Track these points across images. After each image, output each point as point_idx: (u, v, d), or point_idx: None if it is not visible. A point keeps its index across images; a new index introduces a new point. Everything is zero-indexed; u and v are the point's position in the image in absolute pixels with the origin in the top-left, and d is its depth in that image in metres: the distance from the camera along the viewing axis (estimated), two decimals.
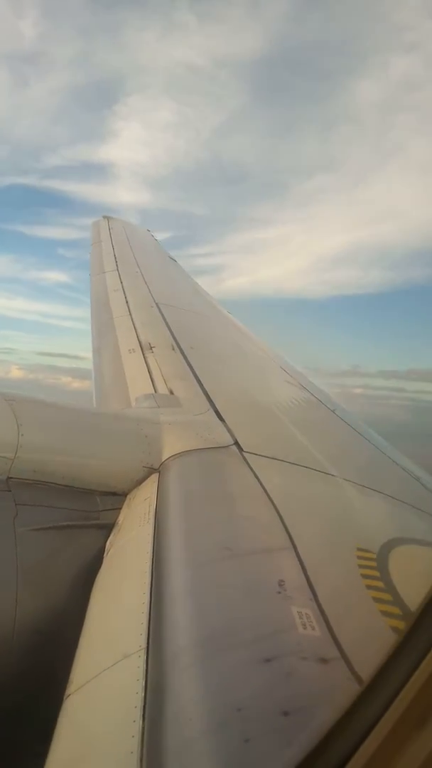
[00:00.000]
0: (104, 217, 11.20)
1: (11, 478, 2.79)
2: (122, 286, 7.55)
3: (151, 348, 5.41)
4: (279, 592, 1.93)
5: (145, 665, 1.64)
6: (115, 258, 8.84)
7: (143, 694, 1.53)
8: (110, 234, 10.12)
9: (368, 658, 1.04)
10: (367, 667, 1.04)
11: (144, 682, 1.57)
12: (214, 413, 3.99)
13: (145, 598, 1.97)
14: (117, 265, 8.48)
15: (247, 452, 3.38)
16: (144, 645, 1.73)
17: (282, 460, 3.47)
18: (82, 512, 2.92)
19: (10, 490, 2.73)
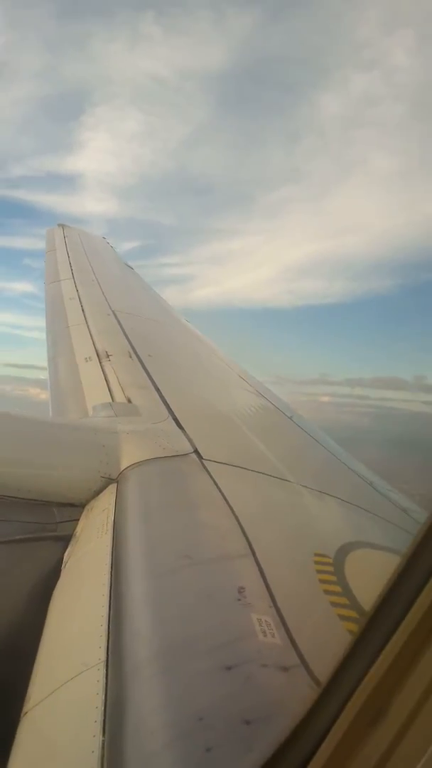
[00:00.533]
0: (59, 225, 11.07)
1: None
2: (78, 294, 7.46)
3: (108, 356, 5.35)
4: (239, 600, 1.93)
5: (104, 678, 1.61)
6: (71, 266, 8.73)
7: (103, 708, 1.50)
8: (65, 242, 10.00)
9: (327, 664, 1.06)
10: (326, 673, 1.07)
11: (104, 696, 1.54)
12: (173, 421, 3.98)
13: (104, 611, 1.94)
14: (72, 274, 8.38)
15: (206, 460, 3.38)
16: (103, 658, 1.70)
17: (241, 468, 3.49)
18: (39, 525, 2.85)
19: None
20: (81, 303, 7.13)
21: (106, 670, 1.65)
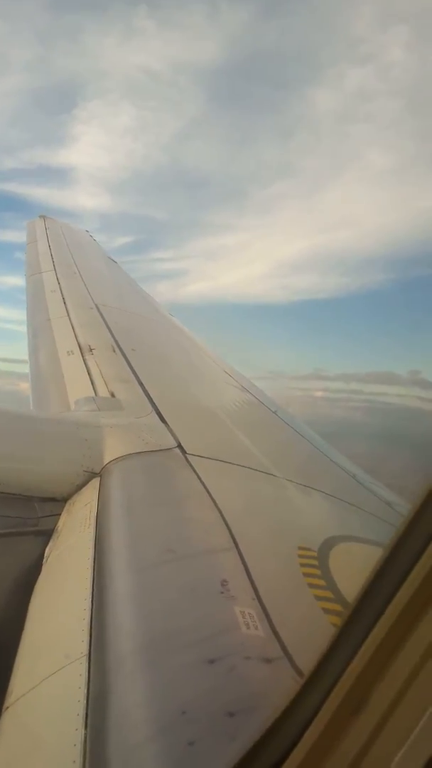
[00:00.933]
0: (41, 216, 10.90)
1: None
2: (60, 287, 7.36)
3: (90, 350, 5.30)
4: (222, 593, 1.93)
5: (87, 672, 1.60)
6: (53, 258, 8.62)
7: (85, 702, 1.49)
8: (47, 234, 9.87)
9: (311, 655, 1.07)
10: (309, 665, 1.08)
11: (86, 690, 1.53)
12: (156, 416, 3.96)
13: (87, 604, 1.92)
14: (54, 266, 8.27)
15: (190, 454, 3.37)
16: (86, 651, 1.69)
17: (225, 462, 3.49)
18: (20, 519, 2.81)
19: None
20: (63, 296, 7.04)
21: (89, 663, 1.64)
